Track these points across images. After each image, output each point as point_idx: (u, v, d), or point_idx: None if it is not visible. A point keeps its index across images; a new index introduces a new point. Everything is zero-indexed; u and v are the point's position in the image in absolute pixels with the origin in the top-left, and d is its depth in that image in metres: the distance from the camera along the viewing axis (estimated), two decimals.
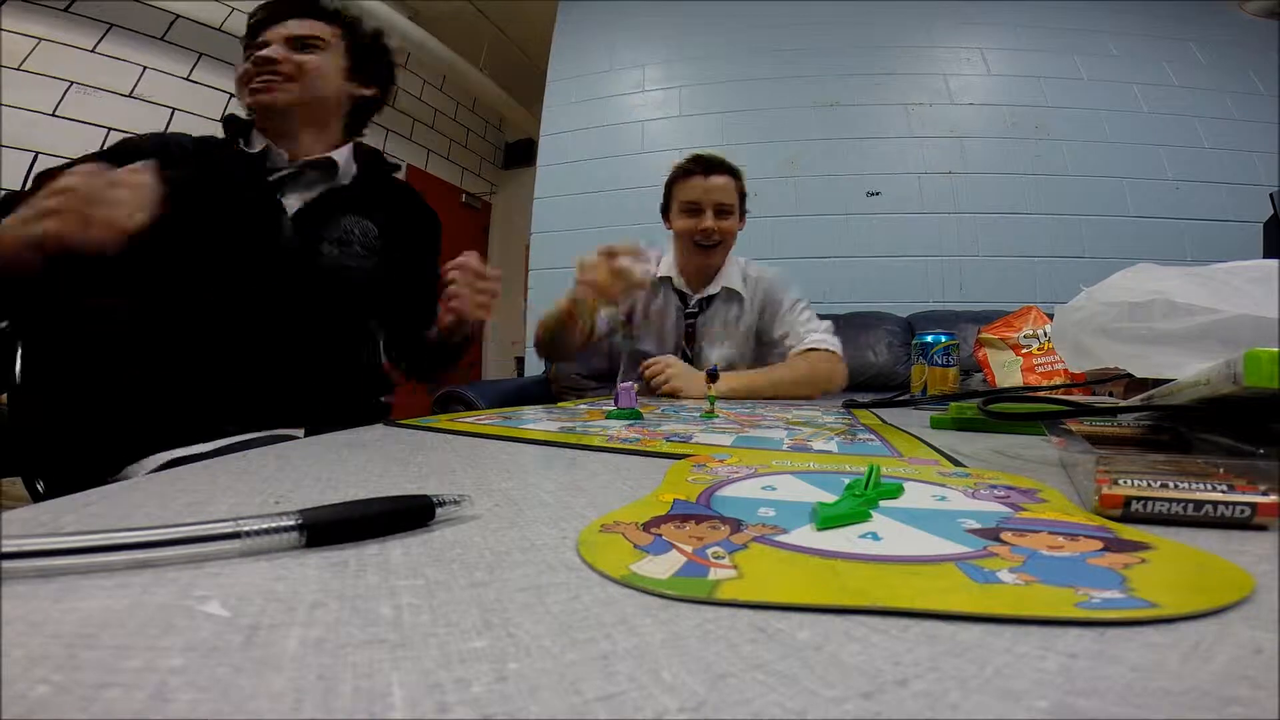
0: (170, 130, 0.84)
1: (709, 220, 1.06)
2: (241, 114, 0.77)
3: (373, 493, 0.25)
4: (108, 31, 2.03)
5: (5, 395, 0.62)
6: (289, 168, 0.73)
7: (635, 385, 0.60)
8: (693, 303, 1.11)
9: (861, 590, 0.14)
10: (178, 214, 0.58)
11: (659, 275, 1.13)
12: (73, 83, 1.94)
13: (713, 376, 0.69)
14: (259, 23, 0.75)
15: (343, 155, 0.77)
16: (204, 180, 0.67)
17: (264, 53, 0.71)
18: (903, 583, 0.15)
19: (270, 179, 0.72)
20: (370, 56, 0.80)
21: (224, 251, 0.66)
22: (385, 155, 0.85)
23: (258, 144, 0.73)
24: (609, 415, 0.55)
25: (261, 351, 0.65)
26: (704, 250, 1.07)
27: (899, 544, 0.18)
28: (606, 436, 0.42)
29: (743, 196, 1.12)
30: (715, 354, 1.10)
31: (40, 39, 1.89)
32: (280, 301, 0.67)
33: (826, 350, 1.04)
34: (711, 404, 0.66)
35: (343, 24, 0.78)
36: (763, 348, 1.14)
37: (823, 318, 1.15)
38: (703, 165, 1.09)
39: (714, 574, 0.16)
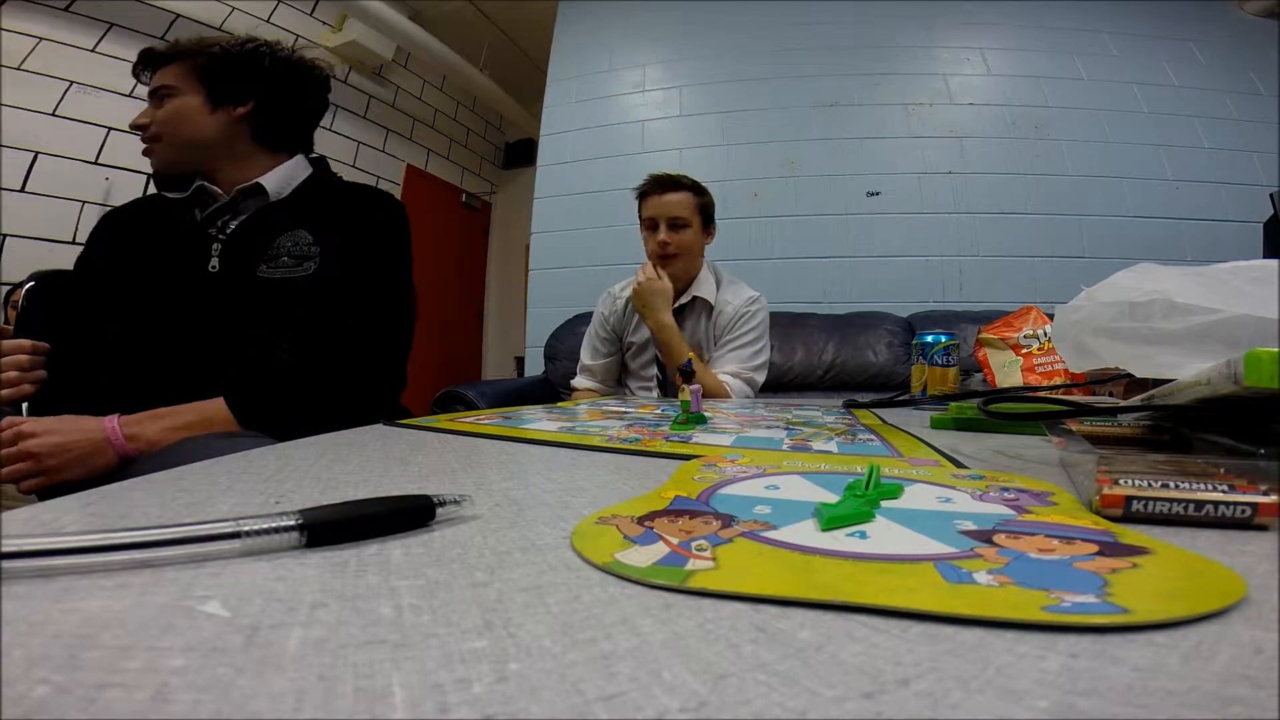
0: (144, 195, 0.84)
1: (662, 233, 1.12)
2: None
3: (373, 493, 0.25)
4: (108, 31, 2.03)
5: None
6: (224, 199, 0.74)
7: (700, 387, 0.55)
8: None
9: (829, 585, 0.14)
10: (120, 273, 0.67)
11: None
12: (73, 83, 1.94)
13: (686, 375, 0.54)
14: (135, 65, 0.76)
15: (275, 176, 0.76)
16: (140, 238, 0.72)
17: (132, 120, 0.73)
18: (872, 580, 0.15)
19: (207, 213, 0.74)
20: (222, 76, 0.74)
21: (154, 292, 0.69)
22: (326, 162, 0.84)
23: (199, 180, 0.75)
24: (675, 426, 0.48)
25: (191, 370, 0.67)
26: (663, 261, 1.13)
27: (885, 543, 0.18)
28: (606, 436, 0.42)
29: (705, 209, 1.17)
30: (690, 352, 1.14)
31: (40, 39, 1.89)
32: (210, 325, 0.68)
33: (718, 381, 1.09)
34: (684, 410, 0.52)
35: (184, 58, 0.74)
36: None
37: (816, 315, 1.15)
38: (658, 184, 1.15)
39: (691, 564, 0.16)
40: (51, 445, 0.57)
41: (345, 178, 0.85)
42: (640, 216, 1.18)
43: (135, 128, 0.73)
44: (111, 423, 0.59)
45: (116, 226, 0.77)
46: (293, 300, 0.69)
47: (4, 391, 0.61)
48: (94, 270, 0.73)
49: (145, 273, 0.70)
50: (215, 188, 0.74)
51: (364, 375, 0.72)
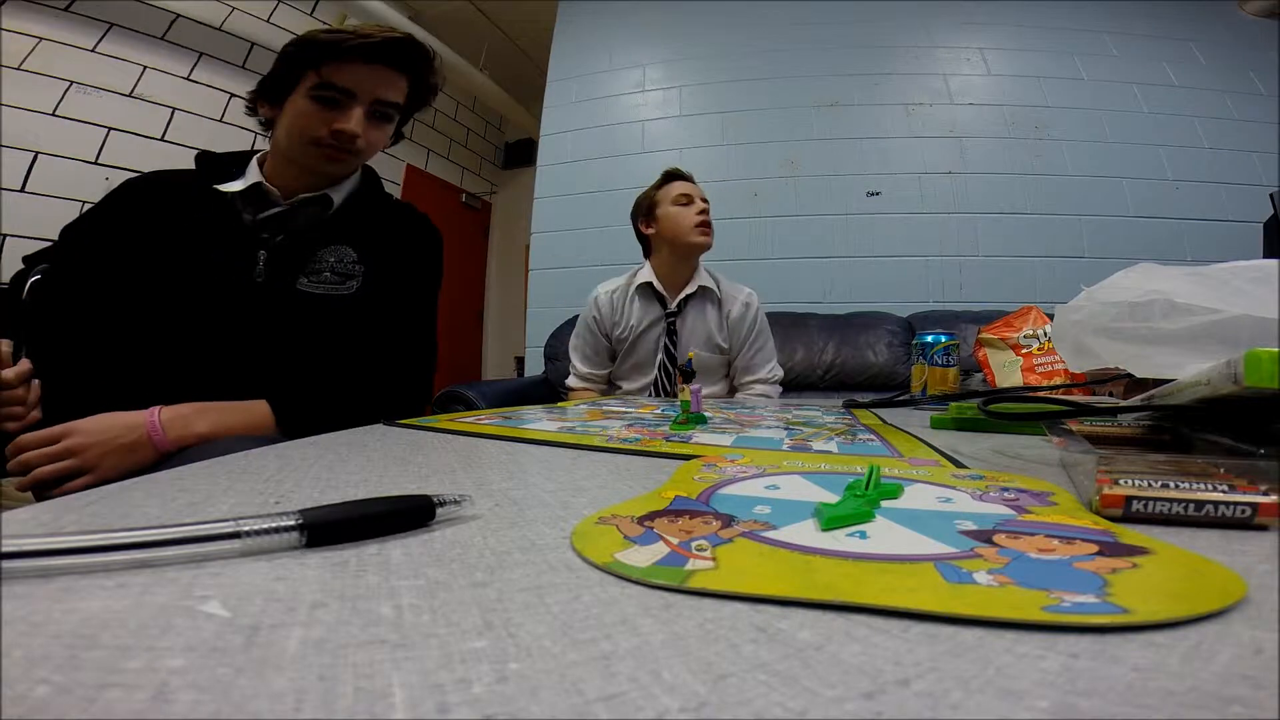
0: (166, 167, 0.77)
1: (702, 205, 1.20)
2: (215, 149, 0.75)
3: (373, 493, 0.25)
4: (108, 31, 2.03)
5: None
6: (282, 205, 0.70)
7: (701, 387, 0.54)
8: (672, 305, 1.22)
9: (829, 585, 0.14)
10: (150, 262, 0.65)
11: (640, 282, 1.23)
12: (73, 83, 1.94)
13: (687, 375, 0.53)
14: (351, 49, 0.66)
15: (343, 190, 0.74)
16: (177, 227, 0.68)
17: (346, 127, 0.67)
18: (872, 580, 0.15)
19: (260, 217, 0.70)
20: (420, 108, 0.75)
21: (192, 295, 0.66)
22: (376, 174, 0.81)
23: (251, 177, 0.71)
24: (675, 427, 0.48)
25: (222, 376, 0.65)
26: (705, 234, 1.19)
27: (885, 543, 0.18)
28: (606, 436, 0.42)
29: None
30: (692, 349, 1.19)
31: (40, 39, 1.89)
32: (248, 336, 0.66)
33: (761, 395, 1.22)
34: (684, 411, 0.51)
35: (415, 76, 0.73)
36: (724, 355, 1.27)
37: (816, 315, 1.18)
38: (685, 174, 1.26)
39: (691, 564, 0.16)
40: (94, 443, 0.55)
41: None
42: (662, 201, 1.23)
43: (339, 133, 0.67)
44: (153, 418, 0.58)
45: (142, 202, 0.70)
46: (330, 317, 0.69)
47: (10, 425, 0.58)
48: (116, 251, 0.67)
49: (183, 270, 0.66)
50: (273, 188, 0.70)
51: (400, 395, 0.73)
